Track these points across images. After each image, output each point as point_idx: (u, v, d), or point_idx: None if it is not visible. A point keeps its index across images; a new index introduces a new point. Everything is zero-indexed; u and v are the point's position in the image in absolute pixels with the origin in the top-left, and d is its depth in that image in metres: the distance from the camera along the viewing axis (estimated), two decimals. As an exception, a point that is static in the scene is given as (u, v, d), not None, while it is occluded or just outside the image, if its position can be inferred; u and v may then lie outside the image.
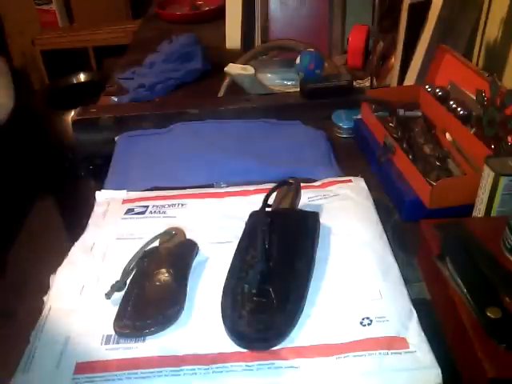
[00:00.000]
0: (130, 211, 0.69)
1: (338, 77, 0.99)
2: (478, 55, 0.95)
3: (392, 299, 0.53)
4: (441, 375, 0.46)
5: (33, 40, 2.37)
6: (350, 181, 0.73)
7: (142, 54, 1.24)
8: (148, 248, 0.60)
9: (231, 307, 0.52)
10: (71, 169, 1.75)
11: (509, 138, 0.70)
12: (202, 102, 1.00)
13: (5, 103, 2.02)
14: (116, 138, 0.91)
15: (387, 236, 0.63)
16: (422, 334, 0.49)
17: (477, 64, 0.94)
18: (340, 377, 0.47)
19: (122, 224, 0.67)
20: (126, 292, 0.55)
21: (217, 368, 0.48)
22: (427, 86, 0.87)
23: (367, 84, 1.05)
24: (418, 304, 0.53)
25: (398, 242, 0.65)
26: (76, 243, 0.64)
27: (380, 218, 0.65)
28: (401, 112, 0.86)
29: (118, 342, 0.50)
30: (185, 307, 0.54)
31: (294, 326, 0.51)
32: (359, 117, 0.90)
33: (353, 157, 0.86)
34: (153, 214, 0.68)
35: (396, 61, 0.97)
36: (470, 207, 0.65)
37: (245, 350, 0.49)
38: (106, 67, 2.41)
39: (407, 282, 0.56)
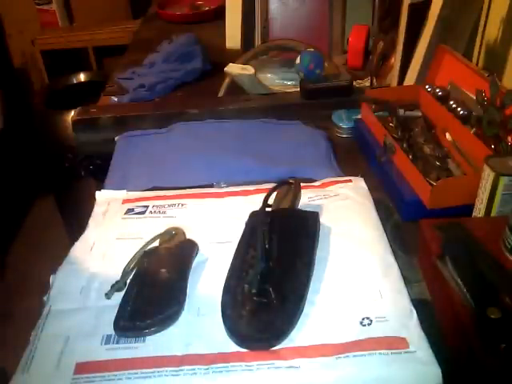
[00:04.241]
0: (129, 211, 0.69)
1: (338, 77, 0.99)
2: (478, 55, 0.94)
3: (392, 299, 0.53)
4: (441, 375, 0.46)
5: (33, 40, 2.36)
6: (349, 181, 0.73)
7: (142, 54, 1.24)
8: (148, 248, 0.60)
9: (231, 307, 0.52)
10: (71, 169, 1.74)
11: (509, 138, 0.70)
12: (201, 101, 1.00)
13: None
14: (116, 138, 0.91)
15: (387, 236, 0.63)
16: (422, 333, 0.49)
17: (477, 64, 0.94)
18: (340, 377, 0.47)
19: (122, 224, 0.67)
20: (125, 292, 0.55)
21: (217, 368, 0.48)
22: (427, 86, 0.87)
23: (367, 84, 1.05)
24: (418, 304, 0.53)
25: (398, 242, 0.65)
26: (76, 243, 0.64)
27: (380, 218, 0.65)
28: (401, 112, 0.86)
29: (117, 342, 0.50)
30: (185, 307, 0.54)
31: (294, 326, 0.51)
32: (359, 117, 0.90)
33: (353, 157, 0.86)
34: (153, 214, 0.68)
35: (396, 61, 0.97)
36: (470, 207, 0.65)
37: (245, 350, 0.49)
38: (106, 67, 2.41)
39: (407, 282, 0.56)
